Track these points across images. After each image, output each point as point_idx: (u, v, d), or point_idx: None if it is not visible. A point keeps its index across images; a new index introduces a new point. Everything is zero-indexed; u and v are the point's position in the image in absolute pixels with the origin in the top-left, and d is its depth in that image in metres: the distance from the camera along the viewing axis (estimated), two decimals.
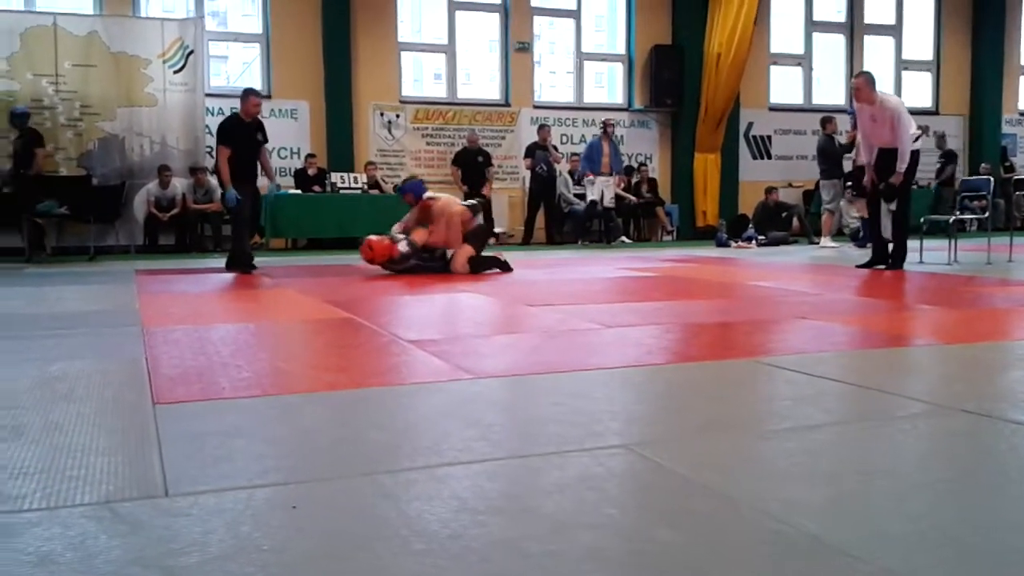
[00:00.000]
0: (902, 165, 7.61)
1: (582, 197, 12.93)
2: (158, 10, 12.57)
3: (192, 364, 3.46)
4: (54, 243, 10.84)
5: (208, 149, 12.04)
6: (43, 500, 1.84)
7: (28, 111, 10.50)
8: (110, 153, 11.48)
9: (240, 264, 8.20)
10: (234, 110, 8.94)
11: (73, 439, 2.32)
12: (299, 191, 11.91)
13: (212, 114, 12.04)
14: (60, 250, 10.81)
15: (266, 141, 8.47)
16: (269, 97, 12.63)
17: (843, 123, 12.00)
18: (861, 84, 7.82)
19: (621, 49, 14.71)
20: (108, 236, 11.07)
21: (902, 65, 16.17)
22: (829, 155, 11.67)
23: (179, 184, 11.56)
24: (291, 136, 12.76)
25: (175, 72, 11.69)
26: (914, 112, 16.34)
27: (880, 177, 7.81)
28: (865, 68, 15.66)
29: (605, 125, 12.70)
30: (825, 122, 11.87)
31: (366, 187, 12.12)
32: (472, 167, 12.76)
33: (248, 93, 8.29)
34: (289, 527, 1.70)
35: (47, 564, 1.51)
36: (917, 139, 7.87)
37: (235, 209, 8.21)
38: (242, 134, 8.13)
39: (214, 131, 12.19)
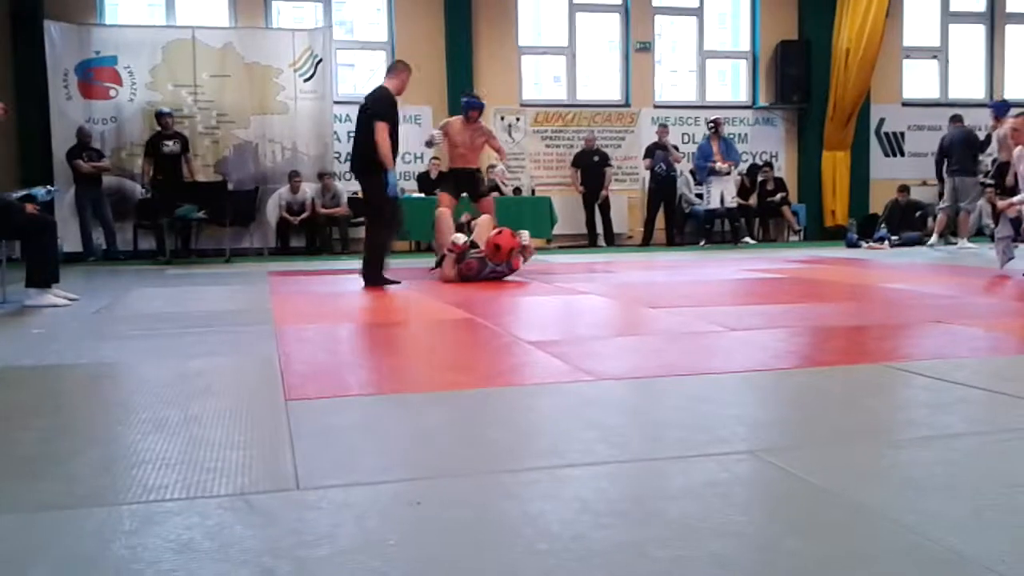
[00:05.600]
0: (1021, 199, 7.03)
1: (703, 197, 12.73)
2: (289, 20, 13.02)
3: (321, 362, 3.57)
4: (193, 246, 11.42)
5: (336, 155, 12.40)
6: (183, 490, 1.92)
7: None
8: (244, 159, 11.98)
9: (374, 275, 6.77)
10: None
11: (210, 433, 2.42)
12: (422, 194, 12.13)
13: (340, 121, 12.39)
14: (198, 252, 11.35)
15: None
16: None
17: (980, 117, 11.40)
18: (1020, 124, 7.16)
19: (745, 46, 14.39)
20: (243, 239, 11.55)
21: None
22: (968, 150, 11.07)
23: (308, 189, 11.96)
24: (415, 141, 13.00)
25: (305, 80, 12.10)
26: None
27: None
28: (1007, 59, 15.01)
29: (713, 124, 12.42)
30: (953, 120, 11.28)
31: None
32: (590, 168, 12.78)
33: (405, 66, 6.89)
34: (414, 523, 1.73)
35: (188, 551, 1.58)
36: None
37: (388, 201, 6.74)
38: (395, 113, 6.66)
39: (342, 137, 12.67)
